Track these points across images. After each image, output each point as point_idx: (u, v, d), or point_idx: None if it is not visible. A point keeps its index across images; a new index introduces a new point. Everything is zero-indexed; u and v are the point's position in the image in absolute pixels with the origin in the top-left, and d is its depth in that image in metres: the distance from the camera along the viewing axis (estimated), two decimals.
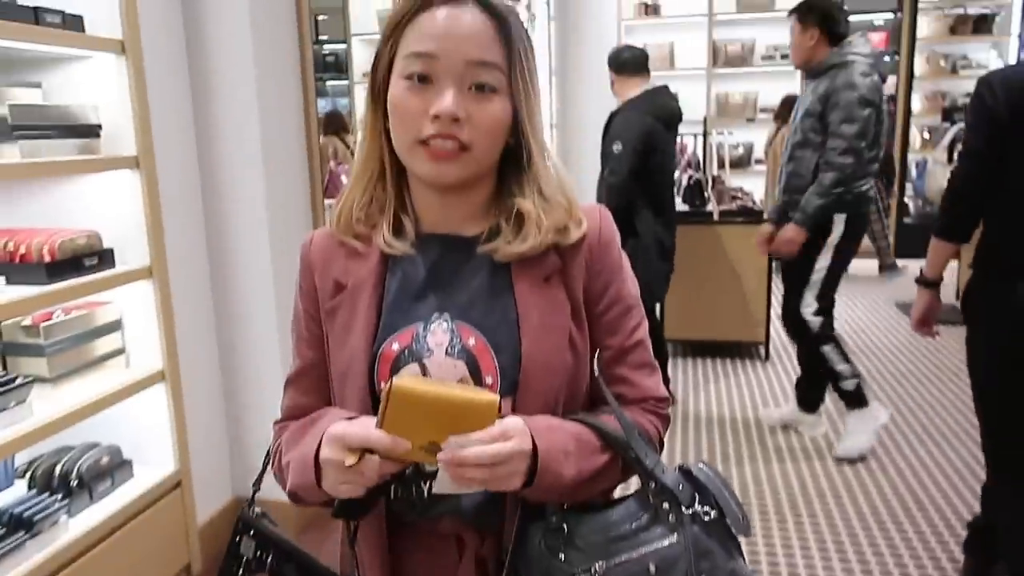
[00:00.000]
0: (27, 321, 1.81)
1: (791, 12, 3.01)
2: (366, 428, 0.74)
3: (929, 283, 2.07)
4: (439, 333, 0.85)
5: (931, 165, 4.89)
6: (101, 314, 1.97)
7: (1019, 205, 1.80)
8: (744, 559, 0.82)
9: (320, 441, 0.78)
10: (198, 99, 2.23)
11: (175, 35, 2.15)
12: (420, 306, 0.86)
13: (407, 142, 0.82)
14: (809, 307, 3.04)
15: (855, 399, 3.08)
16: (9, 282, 1.69)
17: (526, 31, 0.85)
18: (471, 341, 0.83)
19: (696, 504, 0.79)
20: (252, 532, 0.91)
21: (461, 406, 0.72)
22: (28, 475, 1.88)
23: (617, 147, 3.13)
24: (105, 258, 1.89)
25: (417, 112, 0.81)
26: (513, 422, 0.75)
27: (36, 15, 1.64)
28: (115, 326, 2.01)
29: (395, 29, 0.83)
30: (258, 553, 0.90)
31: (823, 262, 2.98)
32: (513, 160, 0.87)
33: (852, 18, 7.61)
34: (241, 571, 0.89)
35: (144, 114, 1.90)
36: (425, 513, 0.86)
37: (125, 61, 1.84)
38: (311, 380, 0.92)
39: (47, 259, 1.73)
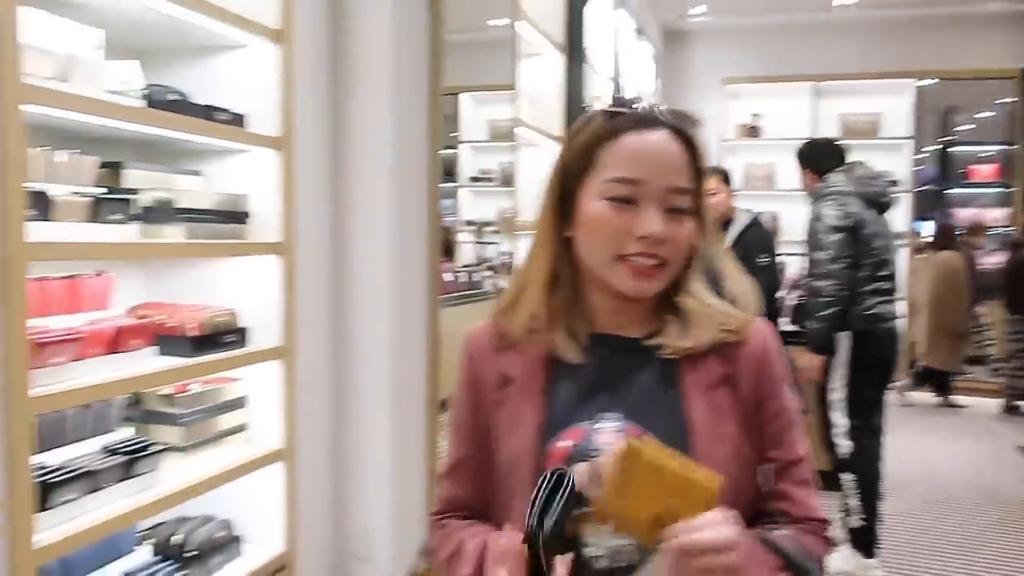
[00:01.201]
0: (167, 390, 1.91)
1: None
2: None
3: None
4: (608, 433, 0.86)
5: None
6: (229, 390, 2.06)
7: None
8: None
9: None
10: (337, 195, 2.39)
11: (323, 134, 2.33)
12: (589, 405, 0.88)
13: (606, 257, 0.87)
14: (838, 428, 3.08)
15: (858, 541, 3.05)
16: (161, 353, 1.79)
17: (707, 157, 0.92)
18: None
19: None
20: None
21: (690, 482, 0.71)
22: (149, 542, 1.93)
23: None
24: (242, 336, 1.99)
25: (620, 231, 0.86)
26: (733, 530, 0.73)
27: (208, 112, 1.82)
28: (241, 402, 2.09)
29: (591, 149, 0.89)
30: None
31: (836, 382, 3.08)
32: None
33: (962, 149, 7.57)
34: None
35: (290, 205, 2.04)
36: None
37: (279, 156, 2.00)
38: (467, 473, 0.95)
39: (193, 333, 1.84)
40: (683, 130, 0.88)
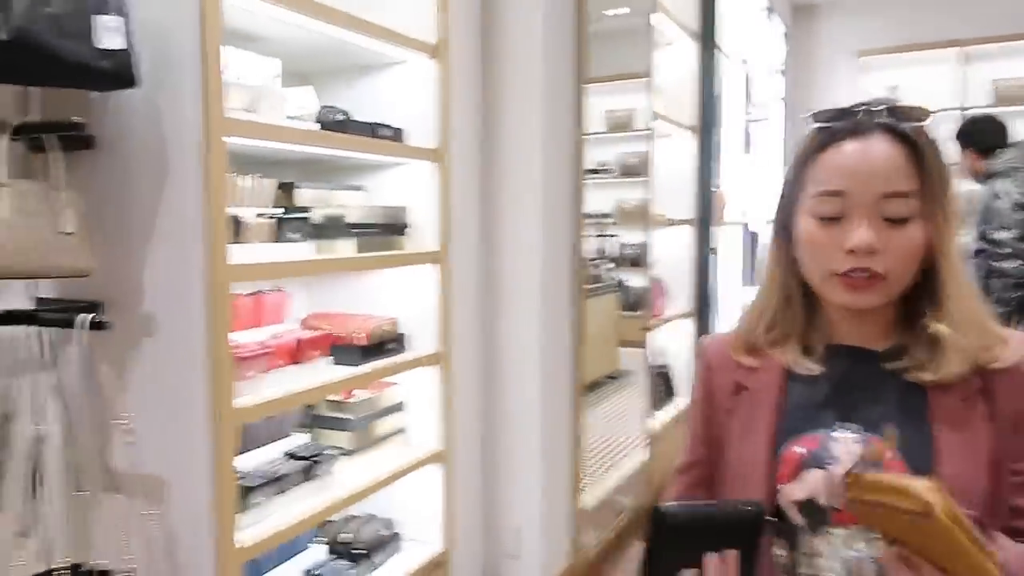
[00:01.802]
0: (335, 396, 2.01)
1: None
2: None
3: None
4: (848, 443, 0.84)
5: None
6: (389, 395, 2.14)
7: None
8: None
9: None
10: (488, 200, 2.43)
11: (475, 142, 2.38)
12: (825, 414, 0.87)
13: (821, 275, 0.86)
14: None
15: None
16: (335, 362, 1.88)
17: (939, 152, 0.85)
18: (887, 455, 0.82)
19: None
20: None
21: (967, 563, 0.68)
22: (322, 540, 2.04)
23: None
24: (401, 343, 2.06)
25: (830, 247, 0.83)
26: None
27: (372, 129, 1.88)
28: (400, 407, 2.17)
29: (801, 166, 0.87)
30: None
31: None
32: (924, 279, 0.86)
33: None
34: None
35: (447, 214, 2.09)
36: None
37: (436, 167, 2.05)
38: (700, 473, 0.97)
39: (362, 342, 1.92)
40: (900, 130, 0.82)
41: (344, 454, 1.96)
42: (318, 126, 1.71)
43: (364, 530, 2.06)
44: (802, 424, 0.87)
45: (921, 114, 0.84)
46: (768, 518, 0.82)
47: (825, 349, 0.90)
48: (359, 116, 1.91)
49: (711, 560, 0.78)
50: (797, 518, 0.86)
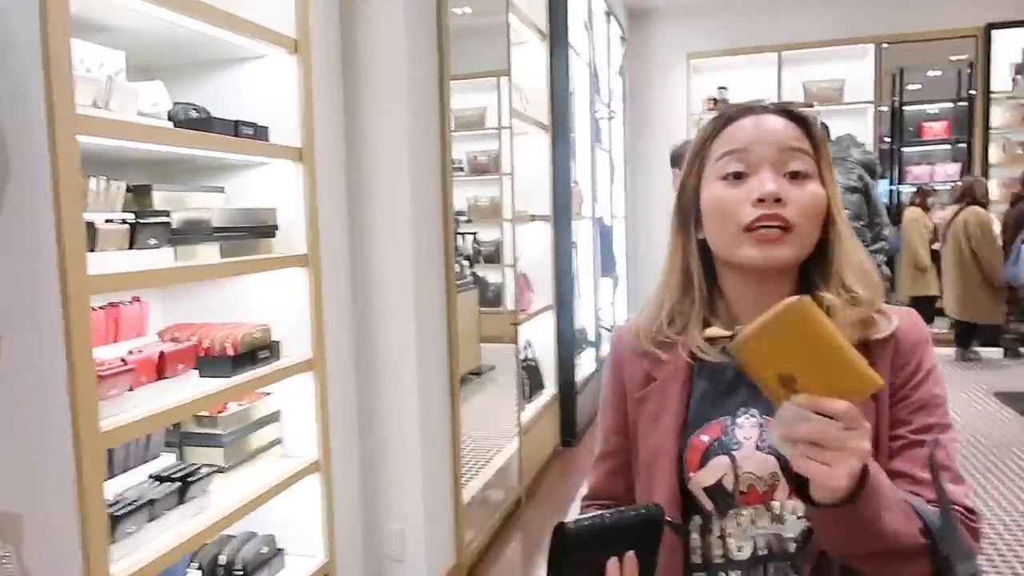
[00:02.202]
0: (203, 411, 1.89)
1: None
2: None
3: None
4: (748, 427, 0.88)
5: None
6: (263, 405, 2.05)
7: None
8: None
9: None
10: (355, 201, 2.37)
11: (339, 141, 2.31)
12: (728, 400, 0.90)
13: (731, 233, 0.86)
14: None
15: None
16: (201, 375, 1.77)
17: (824, 136, 0.91)
18: None
19: None
20: None
21: (845, 366, 0.67)
22: (199, 564, 1.91)
23: None
24: (274, 351, 1.97)
25: (738, 203, 0.85)
26: (867, 424, 0.70)
27: (235, 128, 1.79)
28: (275, 417, 2.08)
29: (700, 150, 0.90)
30: None
31: None
32: (817, 252, 0.89)
33: (913, 108, 7.71)
34: None
35: (314, 215, 2.02)
36: None
37: (301, 167, 1.98)
38: (616, 463, 0.99)
39: (230, 352, 1.81)
40: (790, 110, 0.88)
41: (218, 471, 1.85)
42: (170, 124, 1.60)
43: (244, 550, 1.95)
44: (708, 412, 0.90)
45: (806, 105, 0.91)
46: (668, 518, 0.84)
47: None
48: (216, 113, 1.80)
49: (612, 564, 0.80)
50: (707, 504, 0.90)
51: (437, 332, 2.59)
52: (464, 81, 3.75)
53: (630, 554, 0.80)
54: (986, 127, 6.90)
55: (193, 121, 1.66)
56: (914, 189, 7.59)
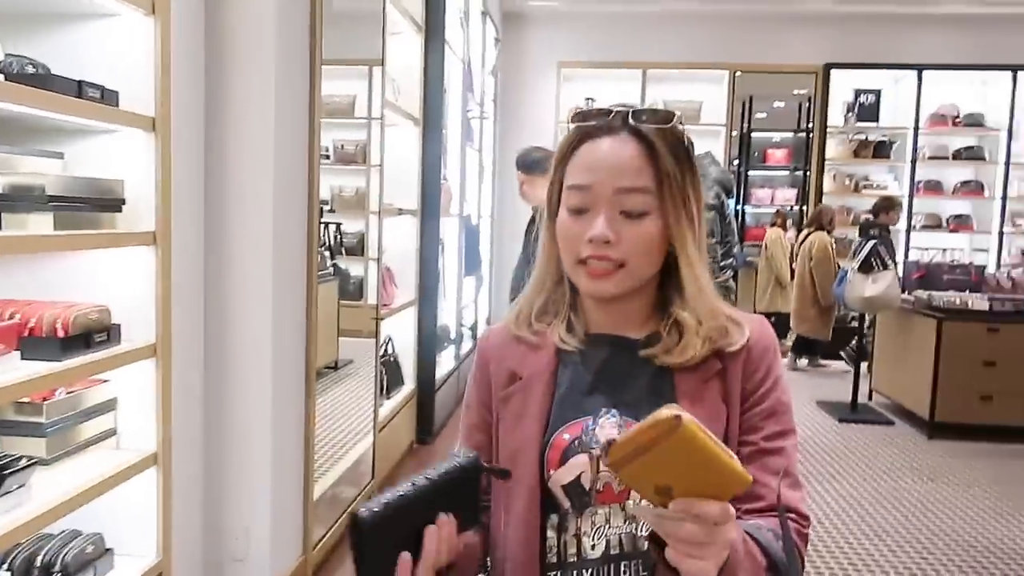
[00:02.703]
0: (25, 398, 1.71)
1: None
2: None
3: None
4: (608, 427, 0.90)
5: (850, 275, 5.28)
6: (97, 393, 1.89)
7: None
8: None
9: None
10: (214, 179, 2.23)
11: (199, 114, 2.17)
12: (589, 400, 0.92)
13: (570, 262, 0.92)
14: None
15: None
16: (24, 357, 1.60)
17: (685, 148, 0.92)
18: None
19: None
20: None
21: (724, 469, 0.69)
22: (6, 566, 1.73)
23: None
24: (113, 335, 1.82)
25: (576, 237, 0.90)
26: (731, 510, 0.72)
27: (80, 89, 1.64)
28: (110, 405, 1.92)
29: (562, 160, 0.93)
30: None
31: None
32: (673, 271, 0.94)
33: (760, 135, 8.31)
34: None
35: (166, 191, 1.89)
36: None
37: (154, 138, 1.84)
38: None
39: (60, 334, 1.66)
40: (642, 131, 0.89)
41: (40, 464, 1.68)
42: (0, 76, 1.44)
43: (65, 550, 1.79)
44: (569, 412, 0.92)
45: (664, 117, 0.90)
46: (485, 464, 0.84)
47: (586, 336, 0.96)
48: (64, 73, 1.65)
49: (430, 532, 0.78)
50: (565, 502, 0.91)
51: (295, 323, 2.50)
52: (335, 67, 3.64)
53: (442, 518, 0.79)
54: (821, 158, 7.52)
55: (29, 77, 1.51)
56: (757, 209, 8.17)
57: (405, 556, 0.77)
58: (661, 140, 0.89)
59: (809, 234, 6.46)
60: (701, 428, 0.67)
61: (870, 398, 5.80)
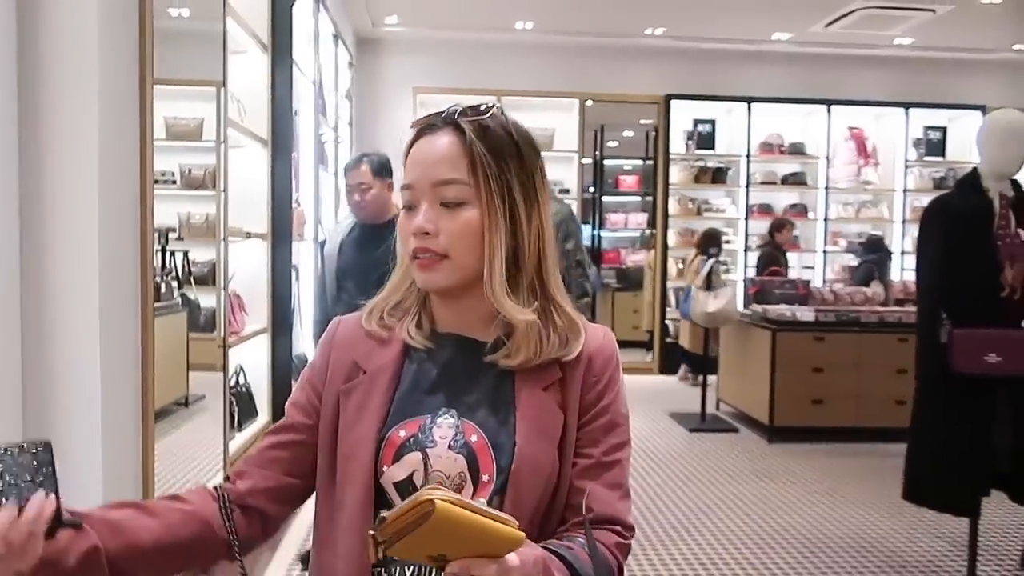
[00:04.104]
0: None
1: None
2: None
3: None
4: (445, 427, 0.90)
5: (695, 291, 5.61)
6: None
7: None
8: None
9: None
10: (28, 208, 2.06)
11: (10, 138, 2.00)
12: (430, 399, 0.93)
13: (408, 259, 0.94)
14: None
15: None
16: None
17: (510, 136, 0.94)
18: (473, 438, 0.90)
19: None
20: None
21: (490, 535, 0.72)
22: None
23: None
24: None
25: (407, 233, 0.93)
26: (510, 561, 0.75)
27: None
28: None
29: (404, 163, 0.96)
30: None
31: None
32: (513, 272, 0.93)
33: (609, 163, 8.69)
34: None
35: None
36: None
37: None
38: (290, 439, 0.98)
39: None
40: (461, 125, 0.91)
41: None
42: None
43: None
44: (410, 408, 0.92)
45: (484, 110, 0.94)
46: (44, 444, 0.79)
47: (434, 335, 0.97)
48: None
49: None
50: (397, 499, 0.90)
51: (127, 358, 2.34)
52: (179, 88, 3.48)
53: (36, 495, 0.75)
54: (667, 184, 7.96)
55: None
56: (613, 233, 8.54)
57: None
58: (478, 131, 0.92)
59: (695, 257, 6.72)
60: (460, 502, 0.70)
61: (717, 408, 6.15)
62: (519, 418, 0.90)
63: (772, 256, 6.72)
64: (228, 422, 3.48)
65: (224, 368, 3.41)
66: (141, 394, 2.43)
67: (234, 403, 3.64)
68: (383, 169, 3.05)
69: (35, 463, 0.76)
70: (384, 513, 0.72)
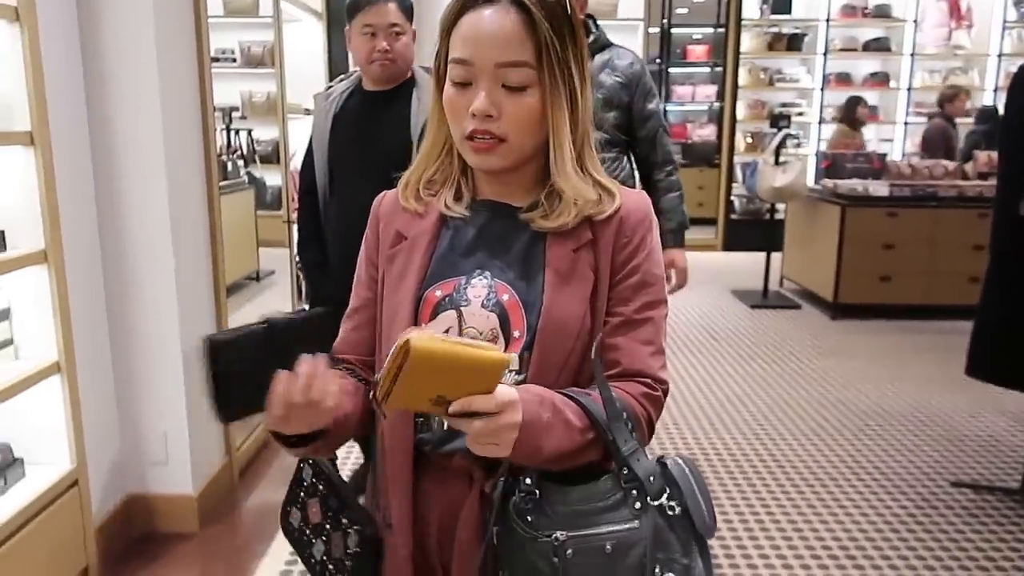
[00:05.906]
0: None
1: None
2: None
3: None
4: (478, 287, 0.93)
5: (761, 166, 5.42)
6: None
7: None
8: (706, 559, 0.85)
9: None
10: (91, 75, 2.11)
11: (70, 6, 2.03)
12: (466, 261, 0.95)
13: (457, 136, 0.93)
14: None
15: None
16: None
17: (569, 18, 0.91)
18: (505, 297, 0.92)
19: (664, 497, 0.84)
20: (311, 461, 1.02)
21: (473, 363, 0.74)
22: None
23: None
24: None
25: (461, 111, 0.90)
26: (506, 395, 0.78)
27: None
28: (4, 315, 1.87)
29: (446, 31, 0.92)
30: (313, 480, 1.00)
31: None
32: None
33: (677, 31, 8.21)
34: (303, 494, 1.00)
35: (39, 88, 1.79)
36: (439, 448, 0.93)
37: (19, 29, 1.72)
38: (364, 317, 1.02)
39: None
40: (524, 1, 0.87)
41: None
42: None
43: None
44: (446, 270, 0.95)
45: None
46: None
47: (473, 202, 0.98)
48: None
49: (282, 377, 0.78)
50: None
51: (197, 231, 2.44)
52: None
53: (307, 358, 0.78)
54: (737, 52, 7.55)
55: None
56: (681, 107, 8.20)
57: (284, 373, 0.78)
58: (542, 10, 0.88)
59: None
60: (434, 338, 0.72)
61: (781, 285, 6.07)
62: (548, 278, 0.92)
63: (844, 131, 6.37)
64: (296, 296, 3.63)
65: (289, 244, 3.52)
66: (212, 269, 2.55)
67: (300, 278, 3.78)
68: (411, 10, 2.25)
69: (321, 323, 0.79)
70: (377, 375, 0.75)
